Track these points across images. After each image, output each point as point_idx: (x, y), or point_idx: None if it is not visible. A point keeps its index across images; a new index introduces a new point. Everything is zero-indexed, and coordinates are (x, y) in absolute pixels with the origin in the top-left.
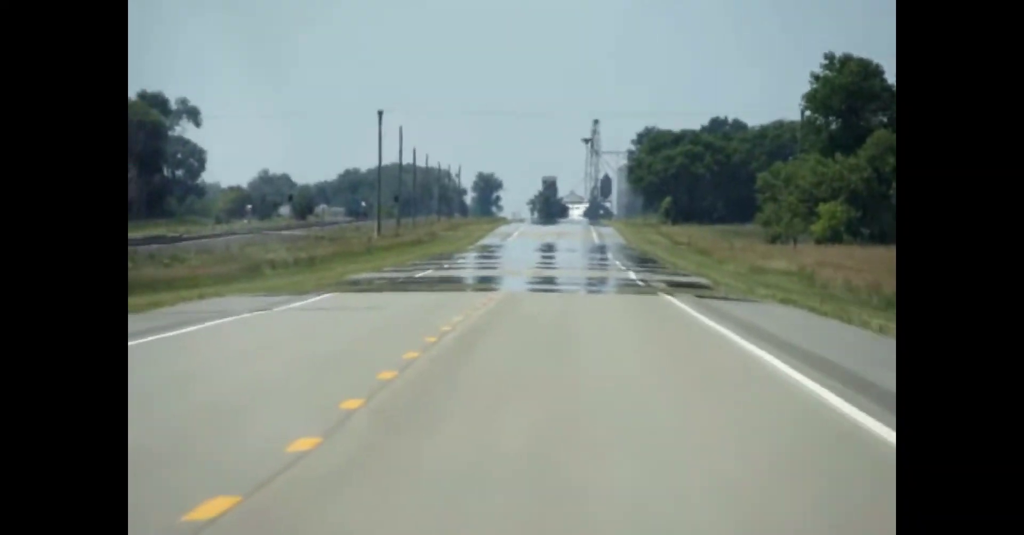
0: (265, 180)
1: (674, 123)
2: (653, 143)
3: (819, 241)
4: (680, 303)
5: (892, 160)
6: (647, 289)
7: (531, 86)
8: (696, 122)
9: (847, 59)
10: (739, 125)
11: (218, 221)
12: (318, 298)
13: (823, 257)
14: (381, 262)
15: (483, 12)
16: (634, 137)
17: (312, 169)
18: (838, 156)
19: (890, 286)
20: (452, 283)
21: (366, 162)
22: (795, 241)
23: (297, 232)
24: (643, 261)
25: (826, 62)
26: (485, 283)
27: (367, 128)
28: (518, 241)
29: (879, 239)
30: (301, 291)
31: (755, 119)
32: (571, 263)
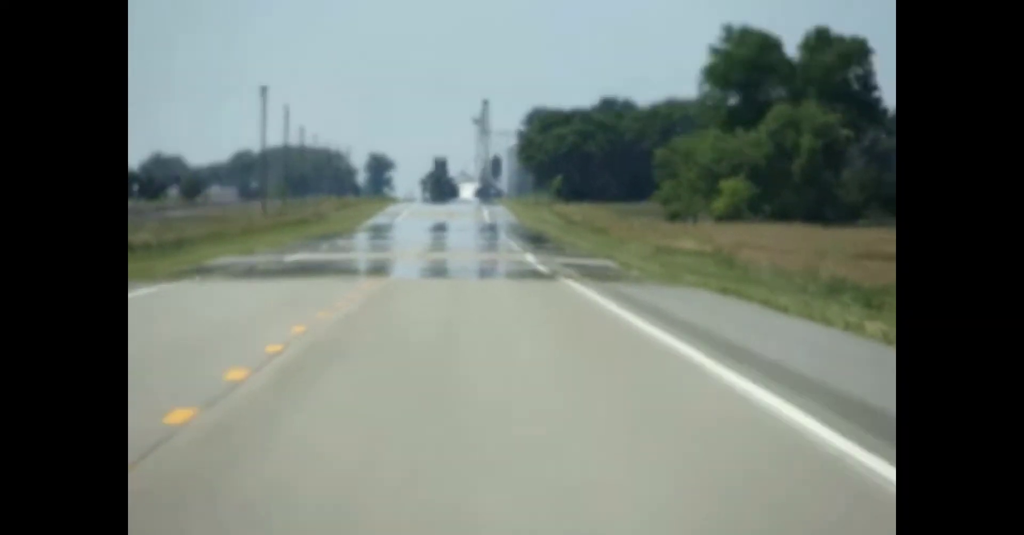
0: (157, 162)
1: (564, 102)
2: (543, 122)
3: (719, 219)
4: (597, 296)
5: (792, 134)
6: (547, 275)
7: (421, 65)
8: (586, 101)
9: (745, 32)
10: (629, 105)
11: None
12: (148, 291)
13: (735, 236)
14: (256, 244)
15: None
16: (523, 117)
17: (204, 151)
18: (738, 131)
19: (825, 269)
20: (322, 270)
21: (258, 143)
22: (695, 219)
23: (178, 213)
24: (538, 241)
25: (724, 34)
26: (362, 269)
27: (256, 108)
28: (407, 221)
29: (780, 216)
30: (144, 278)
31: (645, 98)
32: (462, 244)
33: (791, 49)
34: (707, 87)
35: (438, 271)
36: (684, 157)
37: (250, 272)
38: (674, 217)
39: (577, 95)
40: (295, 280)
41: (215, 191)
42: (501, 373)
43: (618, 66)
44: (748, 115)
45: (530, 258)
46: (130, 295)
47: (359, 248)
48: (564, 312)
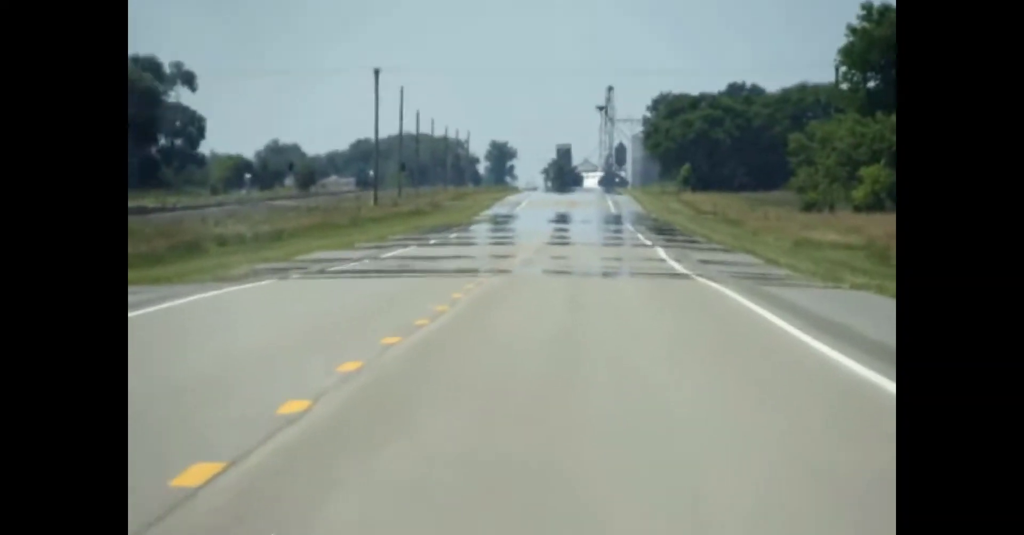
0: (275, 150)
1: (690, 89)
2: (670, 108)
3: (858, 208)
4: (750, 302)
5: None
6: (683, 275)
7: (543, 52)
8: (713, 88)
9: (886, 9)
10: (757, 90)
11: (214, 191)
12: (208, 296)
13: (882, 227)
14: (362, 236)
15: None
16: (649, 103)
17: (323, 139)
18: (878, 115)
19: None
20: (422, 271)
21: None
22: (832, 208)
23: (289, 202)
24: (668, 233)
25: (863, 13)
26: (469, 266)
27: (382, 101)
28: (527, 211)
29: None
30: (218, 278)
31: (774, 84)
32: (586, 237)
33: None
34: (844, 69)
35: (560, 269)
36: (820, 143)
37: (341, 272)
38: (809, 207)
39: (704, 81)
40: (389, 279)
41: (333, 180)
42: (632, 433)
43: (746, 50)
44: (888, 98)
45: (661, 253)
46: (157, 307)
47: (473, 242)
48: (710, 323)
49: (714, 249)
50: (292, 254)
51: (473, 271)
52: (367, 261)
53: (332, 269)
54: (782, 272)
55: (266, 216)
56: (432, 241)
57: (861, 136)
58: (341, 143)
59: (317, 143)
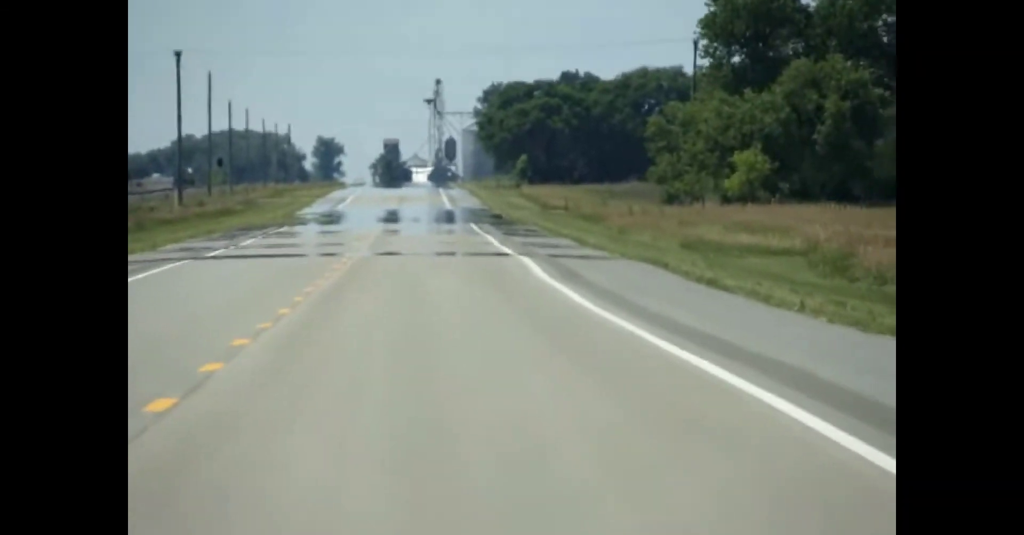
0: None
1: (523, 78)
2: (504, 97)
3: (727, 200)
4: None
5: (814, 96)
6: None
7: (370, 45)
8: (547, 77)
9: None
10: (592, 78)
11: None
12: None
13: (793, 221)
14: (134, 245)
15: None
16: (480, 95)
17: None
18: (747, 94)
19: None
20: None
21: (200, 128)
22: (702, 201)
23: None
24: (523, 234)
25: None
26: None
27: (199, 92)
28: (352, 209)
29: (801, 196)
30: None
31: (610, 72)
32: (422, 240)
33: None
34: (705, 43)
35: (395, 300)
36: (683, 126)
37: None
38: (672, 199)
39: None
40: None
41: (155, 179)
42: None
43: (578, 37)
44: (758, 75)
45: (528, 263)
46: None
47: (272, 251)
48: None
49: (591, 256)
50: None
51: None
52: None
53: None
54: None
55: None
56: (218, 250)
57: (729, 117)
58: (163, 140)
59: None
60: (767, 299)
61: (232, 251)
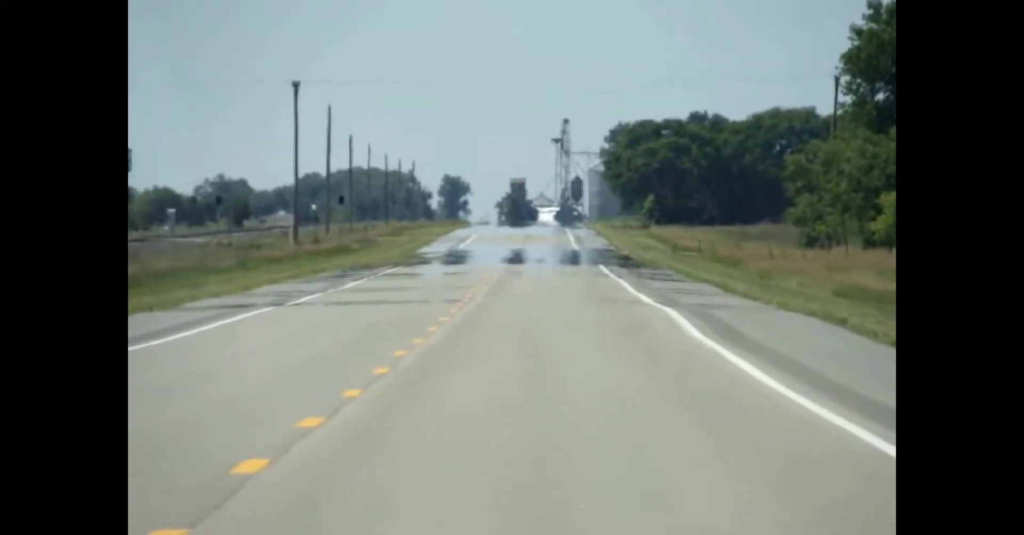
0: (220, 185)
1: (652, 118)
2: (631, 136)
3: (872, 243)
4: None
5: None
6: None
7: (497, 84)
8: (676, 115)
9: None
10: (720, 119)
11: (132, 227)
12: None
13: None
14: (227, 286)
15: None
16: (607, 134)
17: (273, 174)
18: (892, 133)
19: None
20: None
21: (327, 166)
22: (846, 244)
23: (199, 239)
24: (659, 278)
25: (870, 12)
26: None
27: (321, 132)
28: (474, 248)
29: None
30: None
31: (737, 112)
32: (550, 281)
33: None
34: (848, 79)
35: (508, 382)
36: (824, 166)
37: None
38: (812, 241)
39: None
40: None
41: (280, 216)
42: None
43: (707, 78)
44: None
45: (673, 315)
46: None
47: (374, 296)
48: None
49: (743, 307)
50: None
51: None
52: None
53: None
54: None
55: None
56: (314, 295)
57: (873, 157)
58: (290, 177)
59: (264, 178)
60: None
61: (328, 295)
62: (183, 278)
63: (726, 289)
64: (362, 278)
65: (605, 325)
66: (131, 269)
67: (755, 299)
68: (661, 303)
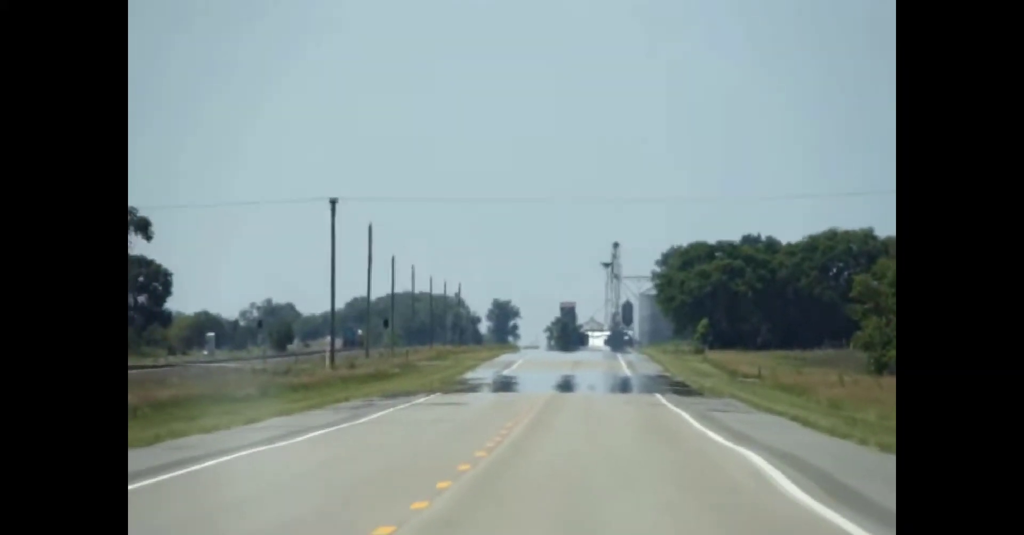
0: (267, 310)
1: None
2: (684, 258)
3: None
4: None
5: None
6: None
7: (547, 209)
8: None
9: None
10: (772, 242)
11: (171, 352)
12: None
13: None
14: (224, 418)
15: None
16: (659, 257)
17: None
18: None
19: None
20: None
21: (374, 291)
22: None
23: (232, 364)
24: (712, 402)
25: None
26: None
27: (375, 257)
28: (517, 374)
29: None
30: None
31: (791, 236)
32: (599, 424)
33: None
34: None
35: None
36: (893, 286)
37: None
38: (882, 367)
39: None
40: None
41: (327, 340)
42: None
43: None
44: None
45: (756, 461)
46: None
47: (393, 435)
48: None
49: (836, 451)
50: None
51: None
52: None
53: None
54: None
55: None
56: (316, 432)
57: None
58: (340, 301)
59: (314, 302)
60: None
61: (331, 434)
62: (185, 408)
63: (805, 423)
64: (387, 408)
65: (674, 480)
66: (131, 399)
67: (845, 437)
68: (734, 442)
